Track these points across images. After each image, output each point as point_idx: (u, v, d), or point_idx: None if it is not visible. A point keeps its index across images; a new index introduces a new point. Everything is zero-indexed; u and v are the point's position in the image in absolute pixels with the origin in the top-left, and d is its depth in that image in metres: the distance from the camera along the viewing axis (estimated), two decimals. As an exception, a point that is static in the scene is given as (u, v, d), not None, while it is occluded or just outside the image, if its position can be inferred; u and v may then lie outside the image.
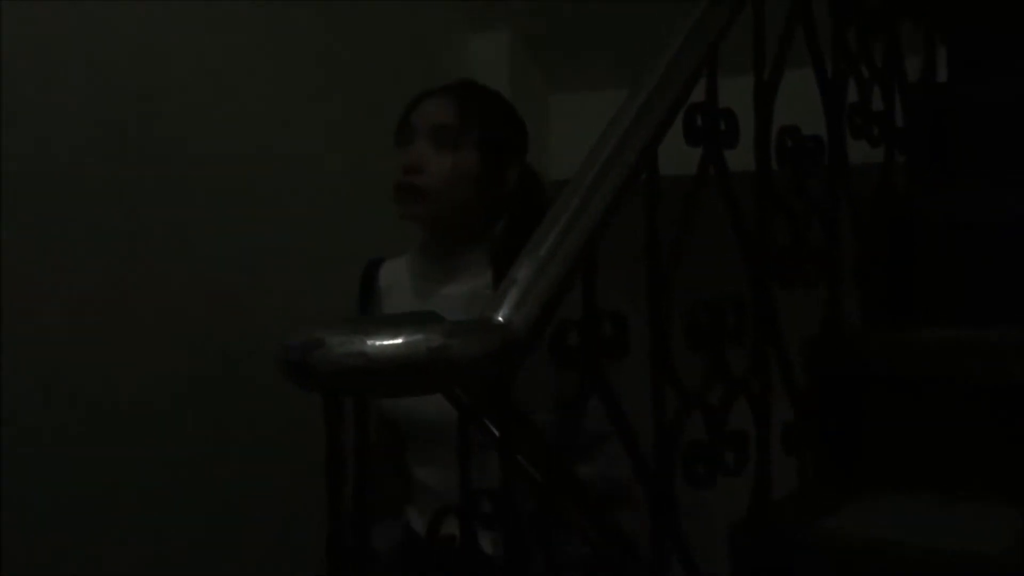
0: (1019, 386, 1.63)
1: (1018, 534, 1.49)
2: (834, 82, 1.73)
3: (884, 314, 1.84)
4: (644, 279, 1.37)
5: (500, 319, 1.15)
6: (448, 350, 1.08)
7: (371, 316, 1.75)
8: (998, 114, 1.97)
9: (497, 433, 1.23)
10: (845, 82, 1.76)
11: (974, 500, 1.61)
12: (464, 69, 3.05)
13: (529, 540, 1.22)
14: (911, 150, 1.95)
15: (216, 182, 2.39)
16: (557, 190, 1.32)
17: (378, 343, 1.06)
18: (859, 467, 1.73)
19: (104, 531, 2.19)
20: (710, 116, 1.45)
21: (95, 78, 2.22)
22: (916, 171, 1.98)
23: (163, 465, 2.28)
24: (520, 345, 1.15)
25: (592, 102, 2.84)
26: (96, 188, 2.23)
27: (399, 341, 1.06)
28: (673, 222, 1.40)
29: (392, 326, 1.07)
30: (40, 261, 2.14)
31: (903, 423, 1.71)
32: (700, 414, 1.42)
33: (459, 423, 1.21)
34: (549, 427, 1.65)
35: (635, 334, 1.29)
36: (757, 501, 1.54)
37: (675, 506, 1.37)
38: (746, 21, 1.52)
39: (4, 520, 2.03)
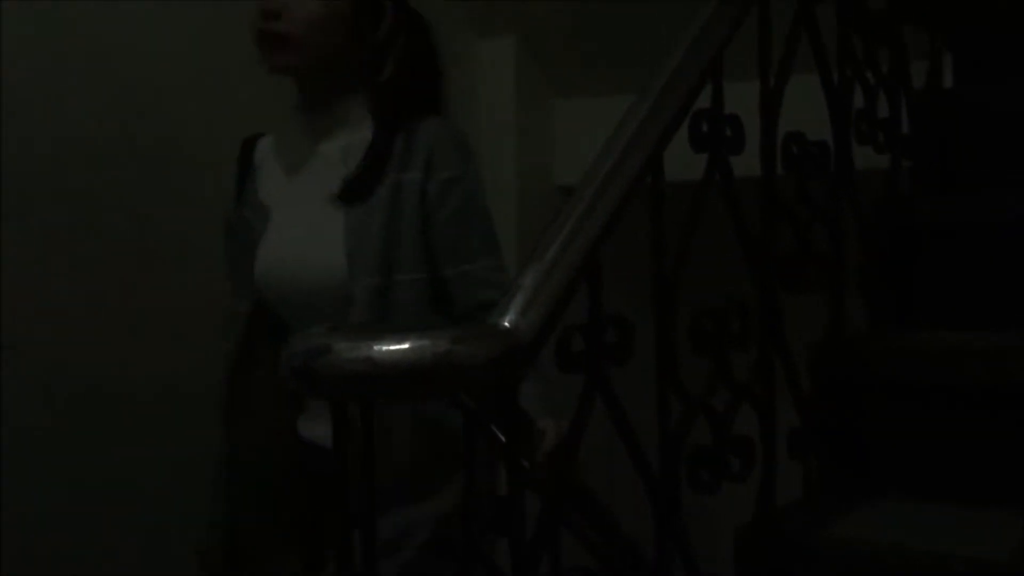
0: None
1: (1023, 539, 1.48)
2: (840, 88, 1.73)
3: (889, 318, 1.84)
4: (649, 284, 1.37)
5: (506, 324, 1.15)
6: (453, 355, 1.08)
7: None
8: (1004, 118, 1.96)
9: (503, 438, 1.23)
10: (851, 88, 1.76)
11: (980, 504, 1.61)
12: (469, 73, 3.05)
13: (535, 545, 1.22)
14: (916, 155, 1.95)
15: (218, 182, 2.38)
16: (562, 195, 1.32)
17: (384, 348, 1.06)
18: (864, 471, 1.73)
19: (104, 531, 2.18)
20: (715, 122, 1.45)
21: (96, 78, 2.22)
22: (921, 175, 1.98)
23: (163, 465, 2.28)
24: (525, 350, 1.15)
25: (597, 107, 2.83)
26: (97, 188, 2.23)
27: (405, 346, 1.06)
28: (678, 227, 1.39)
29: (398, 332, 1.07)
30: (40, 262, 2.14)
31: (908, 427, 1.71)
32: (705, 419, 1.42)
33: (465, 428, 1.20)
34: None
35: (639, 337, 1.29)
36: (762, 506, 1.53)
37: (679, 511, 1.37)
38: (751, 26, 1.52)
39: (4, 520, 2.03)
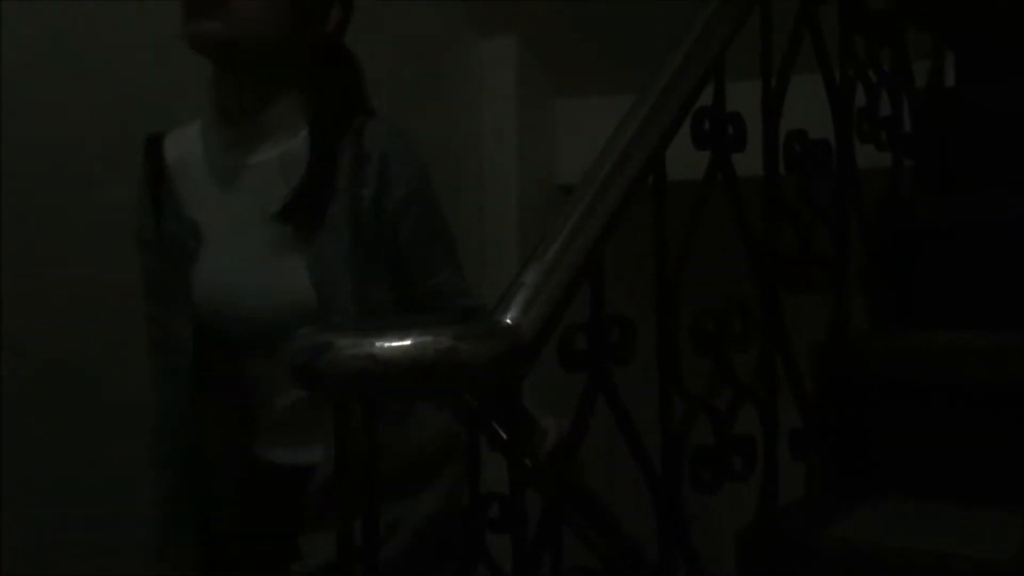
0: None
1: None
2: (842, 87, 1.72)
3: (890, 318, 1.84)
4: (651, 283, 1.36)
5: (508, 322, 1.14)
6: (456, 352, 1.07)
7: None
8: (1005, 118, 1.97)
9: (504, 436, 1.23)
10: (853, 87, 1.76)
11: (981, 504, 1.61)
12: (471, 73, 3.05)
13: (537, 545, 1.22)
14: (918, 154, 1.95)
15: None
16: (563, 195, 1.32)
17: (386, 345, 1.05)
18: (865, 471, 1.73)
19: (104, 531, 2.18)
20: (717, 120, 1.45)
21: (96, 78, 2.21)
22: (923, 175, 1.98)
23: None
24: (528, 349, 1.14)
25: (598, 106, 2.83)
26: (97, 188, 2.22)
27: (407, 343, 1.06)
28: (681, 226, 1.39)
29: (401, 328, 1.07)
30: (40, 262, 2.13)
31: (909, 427, 1.71)
32: (707, 419, 1.42)
33: (467, 427, 1.20)
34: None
35: (642, 336, 1.29)
36: (764, 506, 1.53)
37: (681, 510, 1.37)
38: (753, 25, 1.52)
39: (4, 520, 2.03)
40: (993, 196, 1.88)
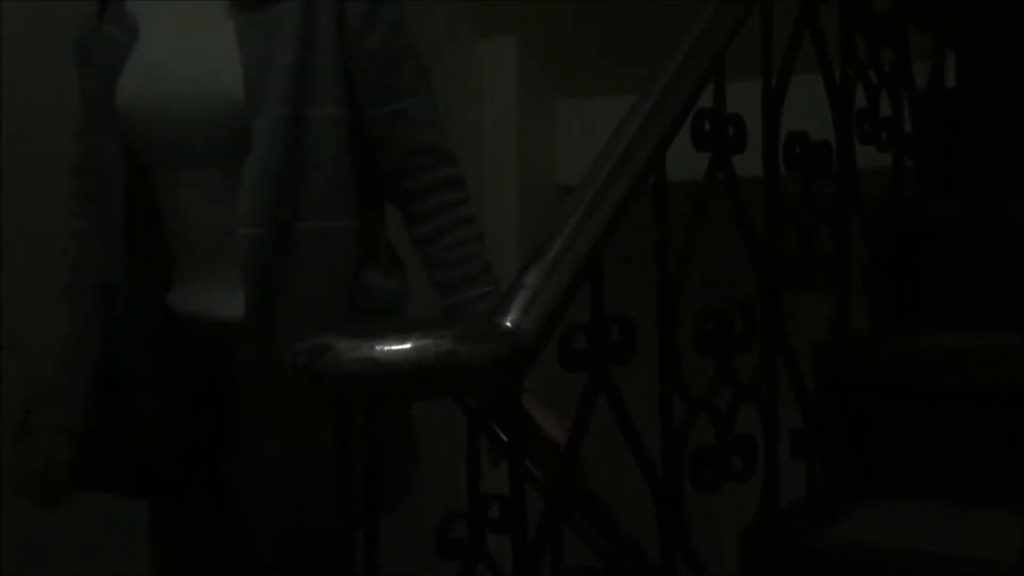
0: (1024, 389, 1.63)
1: (1024, 540, 1.48)
2: (842, 88, 1.72)
3: (891, 318, 1.84)
4: (653, 284, 1.37)
5: (508, 324, 1.14)
6: (457, 355, 1.07)
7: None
8: (1006, 119, 1.97)
9: (505, 438, 1.23)
10: (853, 88, 1.76)
11: (982, 505, 1.61)
12: (472, 73, 3.05)
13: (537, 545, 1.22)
14: (919, 155, 1.95)
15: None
16: (564, 195, 1.32)
17: (387, 348, 1.05)
18: (867, 473, 1.73)
19: (104, 531, 2.18)
20: (717, 121, 1.45)
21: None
22: (924, 176, 1.98)
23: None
24: (528, 351, 1.14)
25: (599, 107, 2.84)
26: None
27: (408, 346, 1.06)
28: (681, 226, 1.39)
29: (402, 331, 1.07)
30: (40, 262, 2.13)
31: (910, 427, 1.71)
32: (707, 419, 1.42)
33: (468, 429, 1.20)
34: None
35: (643, 336, 1.29)
36: (765, 506, 1.53)
37: (683, 510, 1.37)
38: (754, 25, 1.52)
39: (4, 520, 2.03)
40: (993, 197, 1.88)
